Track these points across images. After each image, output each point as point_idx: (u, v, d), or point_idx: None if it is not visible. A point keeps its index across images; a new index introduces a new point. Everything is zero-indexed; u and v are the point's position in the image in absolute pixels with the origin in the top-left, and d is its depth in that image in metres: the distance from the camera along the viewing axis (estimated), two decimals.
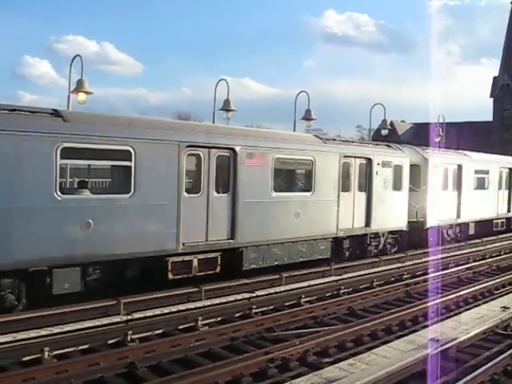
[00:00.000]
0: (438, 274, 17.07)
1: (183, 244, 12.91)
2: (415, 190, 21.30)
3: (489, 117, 75.69)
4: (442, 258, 19.46)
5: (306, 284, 14.63)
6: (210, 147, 13.50)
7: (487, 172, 26.55)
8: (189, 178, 13.77)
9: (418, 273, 17.58)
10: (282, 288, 14.07)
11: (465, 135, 52.66)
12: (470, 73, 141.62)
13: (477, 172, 25.52)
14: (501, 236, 27.00)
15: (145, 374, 8.51)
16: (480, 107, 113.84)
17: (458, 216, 23.95)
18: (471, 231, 25.12)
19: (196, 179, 13.65)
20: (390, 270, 17.47)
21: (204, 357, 9.38)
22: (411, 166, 20.60)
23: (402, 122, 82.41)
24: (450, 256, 20.45)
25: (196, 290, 12.74)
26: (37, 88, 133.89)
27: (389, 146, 20.18)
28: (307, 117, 22.34)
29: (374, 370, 7.88)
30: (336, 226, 17.11)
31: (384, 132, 26.66)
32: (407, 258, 19.12)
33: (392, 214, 19.32)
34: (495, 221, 27.56)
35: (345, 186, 17.44)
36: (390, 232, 19.73)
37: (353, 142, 20.35)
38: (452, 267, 18.72)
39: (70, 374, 8.21)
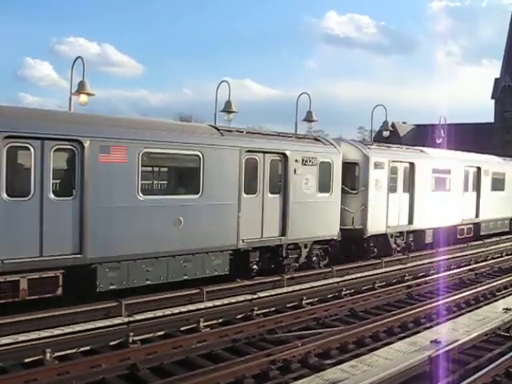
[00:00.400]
0: (439, 275, 17.07)
1: None
2: (351, 193, 18.17)
3: (490, 118, 75.72)
4: (444, 260, 19.44)
5: (307, 285, 14.64)
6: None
7: (449, 171, 22.93)
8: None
9: (420, 274, 17.56)
10: (284, 289, 14.09)
11: (466, 136, 52.60)
12: (471, 74, 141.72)
13: (436, 171, 22.02)
14: (503, 237, 26.96)
15: (146, 376, 8.53)
16: (481, 108, 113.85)
17: (410, 222, 20.41)
18: (428, 239, 21.48)
19: None
20: (392, 271, 17.47)
21: (206, 358, 9.38)
22: (347, 163, 17.85)
23: (404, 123, 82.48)
24: (452, 257, 20.42)
25: (197, 291, 12.74)
26: (38, 90, 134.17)
27: (317, 140, 17.30)
28: (308, 118, 22.26)
29: (375, 371, 7.88)
30: (236, 235, 14.00)
31: (385, 133, 26.57)
32: (409, 260, 19.09)
33: (318, 220, 16.29)
34: (460, 227, 23.78)
35: (249, 188, 14.45)
36: (318, 242, 16.70)
37: (265, 133, 16.35)
38: (454, 269, 18.69)
39: (72, 375, 8.23)
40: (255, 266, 14.96)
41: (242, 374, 8.30)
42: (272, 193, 15.09)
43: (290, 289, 14.16)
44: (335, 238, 17.11)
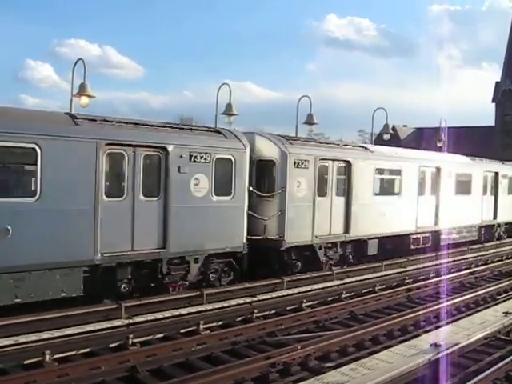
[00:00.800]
0: (440, 278, 17.06)
1: None
2: (264, 196, 15.45)
3: (491, 121, 75.79)
4: (444, 263, 19.41)
5: (307, 288, 14.60)
6: None
7: (398, 172, 19.91)
8: None
9: (420, 278, 17.54)
10: (284, 292, 14.06)
11: (467, 140, 52.61)
12: (472, 77, 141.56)
13: (381, 172, 19.25)
14: (504, 241, 26.94)
15: (146, 378, 8.53)
16: (482, 112, 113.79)
17: (347, 231, 17.56)
18: (371, 251, 18.70)
19: None
20: (392, 274, 17.42)
21: (205, 361, 9.37)
22: (262, 161, 15.64)
23: (404, 126, 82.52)
24: (453, 261, 20.38)
25: (197, 293, 12.73)
26: (39, 91, 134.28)
27: (218, 133, 14.52)
28: (309, 121, 22.29)
29: (375, 374, 7.87)
30: (93, 247, 11.58)
31: (386, 136, 26.59)
32: (409, 263, 19.07)
33: (214, 229, 13.64)
34: (414, 236, 20.73)
35: (113, 190, 12.29)
36: (216, 255, 14.09)
37: (140, 123, 13.16)
38: (454, 272, 18.67)
39: (72, 377, 8.23)
40: (124, 286, 12.42)
41: (242, 376, 8.30)
42: (147, 196, 12.54)
43: (290, 291, 14.13)
44: (240, 250, 14.33)
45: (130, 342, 9.85)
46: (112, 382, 8.36)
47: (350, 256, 18.22)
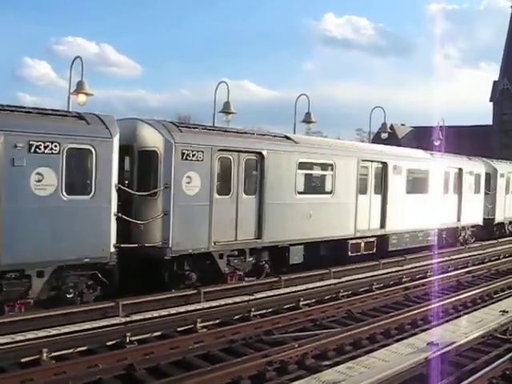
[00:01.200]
0: (437, 277, 17.09)
1: None
2: (143, 195, 12.71)
3: (488, 121, 75.86)
4: (442, 262, 19.47)
5: (305, 287, 14.60)
6: None
7: (330, 167, 17.07)
8: None
9: (417, 276, 17.57)
10: (281, 291, 14.08)
11: (464, 139, 52.69)
12: (469, 76, 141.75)
13: (306, 166, 16.41)
14: (500, 240, 26.96)
15: (143, 376, 8.52)
16: (480, 111, 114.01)
17: (259, 236, 14.71)
18: (294, 259, 15.81)
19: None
20: (389, 273, 17.44)
21: (202, 359, 9.37)
22: (142, 152, 13.18)
23: (402, 125, 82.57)
24: (450, 260, 20.43)
25: (195, 292, 12.73)
26: (36, 89, 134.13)
27: (79, 118, 11.66)
28: (307, 120, 22.33)
29: (372, 373, 7.87)
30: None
31: (384, 135, 26.63)
32: (406, 262, 19.09)
33: (65, 235, 10.99)
34: (353, 242, 17.81)
35: None
36: (73, 267, 11.39)
37: None
38: (451, 271, 18.70)
39: (69, 375, 8.21)
40: None
41: (239, 374, 8.29)
42: None
43: (287, 290, 14.14)
44: (105, 261, 11.68)
45: (128, 340, 9.85)
46: (109, 380, 8.36)
47: (267, 265, 15.32)
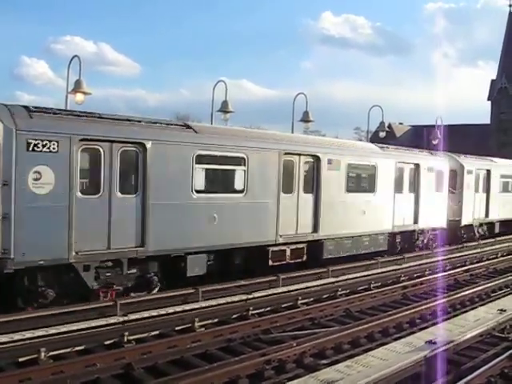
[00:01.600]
0: (435, 276, 17.09)
1: None
2: None
3: (486, 119, 75.97)
4: (440, 261, 19.47)
5: (303, 286, 14.60)
6: None
7: (242, 161, 14.57)
8: None
9: (416, 275, 17.57)
10: (279, 289, 14.06)
11: (462, 138, 52.76)
12: (467, 75, 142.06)
13: (208, 160, 13.80)
14: (498, 238, 26.97)
15: (141, 375, 8.51)
16: (477, 110, 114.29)
17: (142, 244, 12.39)
18: (195, 270, 13.51)
19: None
20: (388, 272, 17.44)
21: (200, 358, 9.36)
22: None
23: (400, 124, 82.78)
24: (448, 258, 20.44)
25: (193, 291, 12.72)
26: (34, 88, 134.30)
27: None
28: (305, 118, 22.36)
29: (370, 371, 7.87)
30: None
31: (382, 134, 26.66)
32: (404, 261, 19.10)
33: None
34: (274, 249, 15.42)
35: None
36: None
37: None
38: (449, 269, 18.71)
39: (67, 374, 8.20)
40: None
41: (237, 373, 8.28)
42: None
43: (286, 289, 14.13)
44: None
45: (126, 339, 9.82)
46: (107, 380, 8.35)
47: (155, 278, 12.95)
